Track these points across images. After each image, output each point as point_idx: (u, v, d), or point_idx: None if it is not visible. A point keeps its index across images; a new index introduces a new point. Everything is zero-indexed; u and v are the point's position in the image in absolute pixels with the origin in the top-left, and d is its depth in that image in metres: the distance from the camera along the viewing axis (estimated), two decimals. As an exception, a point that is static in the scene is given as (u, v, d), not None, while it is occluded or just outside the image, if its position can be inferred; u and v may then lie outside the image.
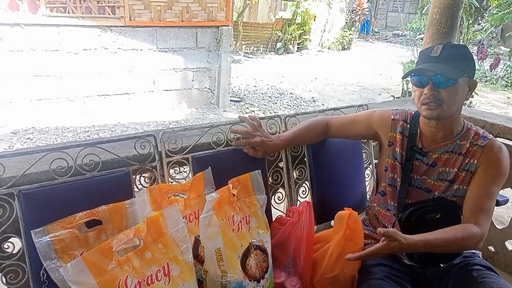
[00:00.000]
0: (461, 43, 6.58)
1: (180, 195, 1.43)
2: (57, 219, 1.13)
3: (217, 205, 1.25)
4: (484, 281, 1.33)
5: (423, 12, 7.89)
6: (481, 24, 7.16)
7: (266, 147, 1.59)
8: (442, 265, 1.47)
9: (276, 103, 6.87)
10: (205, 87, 6.08)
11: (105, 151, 1.35)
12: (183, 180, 1.51)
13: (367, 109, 2.05)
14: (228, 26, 5.83)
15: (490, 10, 6.32)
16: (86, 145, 1.32)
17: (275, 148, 1.65)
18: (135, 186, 1.40)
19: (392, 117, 1.58)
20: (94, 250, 1.03)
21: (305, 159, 1.80)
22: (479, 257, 1.50)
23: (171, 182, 1.46)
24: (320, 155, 1.81)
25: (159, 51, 5.51)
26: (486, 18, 6.42)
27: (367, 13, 14.90)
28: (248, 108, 6.33)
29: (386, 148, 1.59)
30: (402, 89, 7.10)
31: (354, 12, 14.32)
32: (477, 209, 1.36)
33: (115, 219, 1.23)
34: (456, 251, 1.39)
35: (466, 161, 1.42)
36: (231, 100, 6.32)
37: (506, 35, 5.25)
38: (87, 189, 1.27)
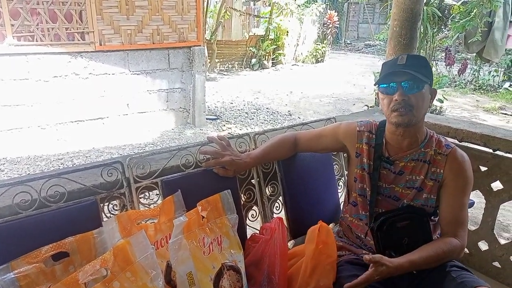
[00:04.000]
0: (427, 50, 6.81)
1: (150, 220, 1.42)
2: (22, 255, 1.11)
3: (186, 229, 1.24)
4: (464, 281, 1.37)
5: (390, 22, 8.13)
6: (445, 32, 7.44)
7: (236, 166, 1.59)
8: (415, 272, 1.49)
9: (252, 118, 6.91)
10: (180, 107, 6.08)
11: (70, 181, 1.33)
12: (154, 205, 1.50)
13: (335, 121, 2.09)
14: (200, 46, 5.88)
15: (452, 18, 6.60)
16: (51, 176, 1.30)
17: (245, 167, 1.66)
18: (103, 215, 1.38)
19: (358, 128, 1.63)
20: (60, 284, 1.02)
21: (277, 175, 1.82)
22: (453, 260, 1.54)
23: (141, 208, 1.45)
24: (292, 170, 1.83)
25: (131, 74, 5.50)
26: (449, 26, 6.69)
27: (338, 26, 15.25)
28: (224, 125, 6.35)
29: (354, 159, 1.63)
30: (375, 98, 7.26)
31: (325, 25, 14.63)
32: (453, 222, 1.44)
33: (83, 249, 1.21)
34: (440, 263, 1.42)
35: (432, 170, 1.48)
36: (207, 119, 6.32)
37: (469, 42, 5.47)
38: (53, 221, 1.25)
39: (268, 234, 1.51)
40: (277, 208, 1.87)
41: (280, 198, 1.86)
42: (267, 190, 1.84)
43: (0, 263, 1.08)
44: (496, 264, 2.28)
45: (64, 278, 1.05)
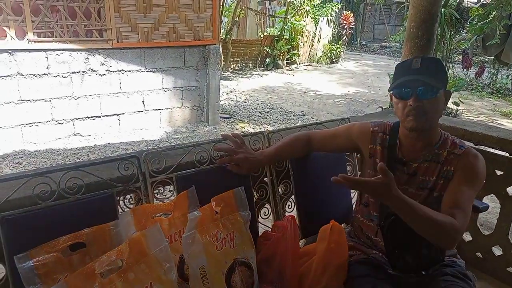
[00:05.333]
0: (444, 53, 6.73)
1: (164, 214, 1.45)
2: (40, 244, 1.14)
3: (200, 224, 1.26)
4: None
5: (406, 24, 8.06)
6: (463, 35, 7.33)
7: (249, 164, 1.61)
8: (423, 272, 1.48)
9: (266, 118, 6.92)
10: (195, 105, 6.13)
11: (88, 174, 1.36)
12: (168, 199, 1.53)
13: (349, 122, 2.09)
14: (215, 44, 5.91)
15: (470, 20, 6.50)
16: (69, 169, 1.34)
17: (258, 164, 1.68)
18: (119, 208, 1.41)
19: (372, 129, 1.63)
20: (77, 273, 1.05)
21: (290, 174, 1.83)
22: (459, 265, 1.52)
23: (156, 202, 1.48)
24: (304, 169, 1.84)
25: (147, 71, 5.57)
26: (467, 28, 6.59)
27: (353, 26, 15.17)
28: (238, 124, 6.37)
29: (367, 160, 1.63)
30: (390, 101, 7.19)
31: (340, 26, 14.56)
32: (453, 206, 1.36)
33: (99, 241, 1.24)
34: (431, 235, 1.31)
35: (444, 169, 1.46)
36: (221, 117, 6.36)
37: (487, 44, 5.38)
38: (71, 212, 1.28)
39: (280, 232, 1.52)
40: (289, 207, 1.88)
41: (292, 197, 1.87)
42: (279, 189, 1.85)
43: (20, 251, 1.11)
44: (510, 269, 2.26)
45: (80, 267, 1.08)
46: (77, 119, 5.30)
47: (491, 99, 9.12)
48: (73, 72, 5.12)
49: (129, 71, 5.44)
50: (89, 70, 5.21)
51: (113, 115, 5.53)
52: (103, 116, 5.46)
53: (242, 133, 1.70)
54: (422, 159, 1.50)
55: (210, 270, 1.25)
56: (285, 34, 12.52)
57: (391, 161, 1.55)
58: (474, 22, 5.75)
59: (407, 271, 1.48)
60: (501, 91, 9.53)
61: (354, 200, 2.10)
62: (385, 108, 7.39)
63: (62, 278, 1.13)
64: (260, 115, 7.08)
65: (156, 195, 1.51)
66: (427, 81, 1.38)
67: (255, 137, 1.77)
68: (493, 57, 5.88)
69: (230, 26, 11.14)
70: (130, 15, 5.30)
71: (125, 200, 1.46)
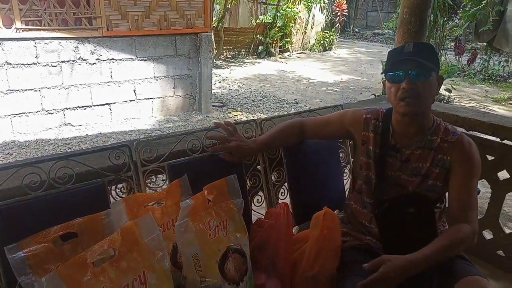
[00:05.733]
0: (437, 39, 6.72)
1: (157, 203, 1.44)
2: (31, 234, 1.13)
3: (192, 212, 1.26)
4: (458, 269, 1.37)
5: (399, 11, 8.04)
6: (456, 21, 7.32)
7: (242, 152, 1.60)
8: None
9: (259, 106, 6.90)
10: (187, 94, 6.08)
11: (79, 163, 1.35)
12: (160, 188, 1.52)
13: (342, 109, 2.08)
14: (207, 32, 5.85)
15: (463, 6, 6.49)
16: (59, 158, 1.32)
17: (251, 152, 1.67)
18: (111, 197, 1.40)
19: (364, 116, 1.62)
20: (69, 263, 1.04)
21: (283, 161, 1.83)
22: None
23: (148, 191, 1.47)
24: (297, 156, 1.84)
25: (138, 60, 5.50)
26: (460, 15, 6.58)
27: (346, 14, 15.06)
28: (231, 112, 6.35)
29: (360, 146, 1.62)
30: (383, 87, 7.20)
31: (333, 13, 14.47)
32: (464, 207, 1.41)
33: (91, 231, 1.23)
34: (454, 254, 1.40)
35: (438, 157, 1.47)
36: (213, 106, 6.33)
37: (480, 31, 5.38)
38: (62, 202, 1.27)
39: (273, 219, 1.52)
40: (282, 194, 1.88)
41: (285, 184, 1.87)
42: (272, 176, 1.85)
43: (10, 242, 1.10)
44: (500, 253, 2.30)
45: (72, 257, 1.07)
46: (67, 109, 5.24)
47: (483, 85, 9.16)
48: (62, 61, 5.04)
49: (120, 59, 5.38)
50: (79, 59, 5.13)
51: (104, 104, 5.47)
52: (94, 105, 5.40)
53: (235, 121, 1.69)
54: (415, 145, 1.50)
55: (203, 258, 1.24)
56: (277, 21, 12.42)
57: (384, 148, 1.55)
58: (467, 9, 5.74)
59: (400, 257, 1.49)
60: (493, 78, 9.57)
61: (347, 186, 2.11)
62: (378, 95, 7.40)
63: (53, 268, 1.12)
64: (253, 103, 7.06)
65: (148, 184, 1.50)
66: (420, 61, 1.38)
67: (247, 125, 1.76)
68: (485, 44, 5.86)
69: (222, 13, 11.02)
70: (120, 2, 5.21)
71: (117, 190, 1.44)
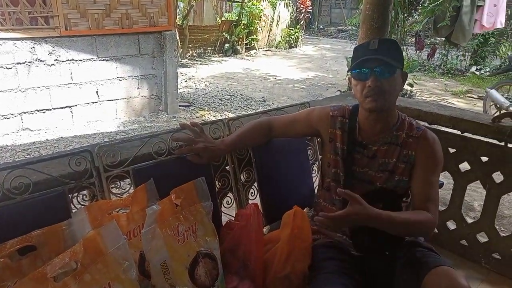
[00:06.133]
0: (398, 35, 6.90)
1: (122, 210, 1.39)
2: (-15, 250, 1.06)
3: (160, 217, 1.22)
4: (427, 260, 1.40)
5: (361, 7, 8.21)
6: (416, 17, 7.54)
7: (210, 153, 1.57)
8: (387, 253, 1.52)
9: (226, 105, 6.85)
10: (152, 94, 5.94)
11: (36, 171, 1.27)
12: (125, 194, 1.46)
13: (309, 106, 2.09)
14: (171, 31, 5.73)
15: (422, 3, 6.71)
16: (15, 167, 1.24)
17: (219, 153, 1.64)
18: (72, 206, 1.33)
19: (331, 113, 1.63)
20: (27, 279, 0.98)
21: (252, 161, 1.81)
22: (421, 239, 1.57)
23: (112, 198, 1.41)
24: (266, 155, 1.82)
25: (100, 60, 5.32)
26: (420, 11, 6.79)
27: (311, 10, 15.21)
28: (198, 112, 6.26)
29: (328, 144, 1.63)
30: (348, 83, 7.33)
31: (298, 10, 14.57)
32: (425, 199, 1.44)
33: (52, 242, 1.17)
34: (412, 234, 1.45)
35: (404, 153, 1.49)
36: (180, 105, 6.22)
37: (439, 26, 5.57)
38: (18, 214, 1.20)
39: (244, 221, 1.50)
40: (252, 194, 1.87)
41: (255, 184, 1.85)
42: (242, 177, 1.82)
43: (-38, 259, 1.03)
44: (464, 242, 2.38)
45: (31, 272, 1.01)
46: (25, 112, 4.99)
47: (442, 79, 9.50)
48: (18, 63, 4.79)
49: (80, 60, 5.18)
50: (36, 60, 4.90)
51: (65, 107, 5.25)
52: (53, 108, 5.18)
53: (202, 122, 1.65)
54: (381, 141, 1.52)
55: (172, 265, 1.21)
56: (243, 19, 12.37)
57: (350, 145, 1.57)
58: (425, 5, 5.93)
59: (370, 253, 1.51)
60: (451, 72, 9.94)
61: (316, 184, 2.11)
62: (343, 91, 7.52)
63: (11, 285, 1.06)
64: (220, 102, 7.00)
65: (112, 190, 1.44)
66: (385, 60, 1.39)
67: (214, 125, 1.72)
68: (443, 39, 6.07)
69: (186, 11, 10.85)
70: (78, 0, 4.99)
71: (79, 198, 1.38)
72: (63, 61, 5.06)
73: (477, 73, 9.70)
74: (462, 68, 10.11)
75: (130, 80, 5.63)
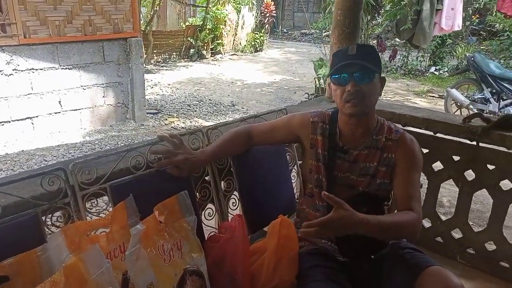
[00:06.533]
0: (362, 38, 7.06)
1: (100, 230, 1.31)
2: (-49, 284, 0.96)
3: (144, 237, 1.16)
4: (416, 262, 1.41)
5: (326, 12, 8.35)
6: (378, 20, 7.75)
7: (190, 165, 1.52)
8: (372, 256, 1.52)
9: (195, 111, 6.76)
10: (119, 102, 5.76)
11: (5, 194, 1.18)
12: (103, 213, 1.38)
13: (286, 113, 2.07)
14: (136, 37, 5.58)
15: (384, 6, 6.92)
16: (-20, 191, 1.14)
17: (200, 165, 1.59)
18: (46, 229, 1.24)
19: (311, 119, 1.62)
20: (3, 314, 0.89)
21: (232, 170, 1.77)
22: (404, 241, 1.58)
23: (90, 217, 1.33)
24: (246, 164, 1.79)
25: (62, 68, 5.10)
26: (382, 14, 6.99)
27: (275, 14, 15.35)
28: (167, 119, 6.13)
29: (309, 150, 1.62)
30: (315, 86, 7.42)
31: (262, 14, 14.66)
32: (408, 198, 1.44)
33: (26, 271, 1.08)
34: (400, 236, 1.43)
35: (384, 156, 1.51)
36: (148, 113, 6.07)
37: (401, 29, 5.73)
38: (-13, 242, 1.10)
39: (229, 233, 1.46)
40: (234, 204, 1.82)
41: (236, 193, 1.81)
42: (222, 186, 1.78)
43: None
44: (439, 239, 2.43)
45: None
46: (-19, 126, 4.72)
47: (404, 79, 9.81)
48: (-27, 73, 4.53)
49: (41, 69, 4.94)
50: (-7, 70, 4.64)
51: (25, 118, 4.99)
52: (13, 120, 4.90)
53: (180, 133, 1.59)
54: (362, 146, 1.53)
55: (159, 286, 1.15)
56: (207, 23, 12.29)
57: (332, 150, 1.56)
58: (387, 9, 6.10)
59: (356, 257, 1.51)
60: (412, 72, 10.29)
61: (295, 189, 2.10)
62: (311, 94, 7.61)
63: (-17, 321, 0.97)
64: (188, 108, 6.90)
65: (89, 209, 1.36)
66: (364, 64, 1.40)
67: (193, 135, 1.67)
68: (404, 41, 6.27)
69: (150, 16, 10.65)
70: (37, 7, 4.77)
71: (53, 219, 1.29)
72: (22, 71, 4.81)
73: (436, 73, 10.09)
74: (422, 68, 10.49)
75: (95, 89, 5.43)
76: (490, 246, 2.25)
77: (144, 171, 1.47)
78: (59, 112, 5.22)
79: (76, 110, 5.35)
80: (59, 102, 5.17)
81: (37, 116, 5.05)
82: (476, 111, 5.81)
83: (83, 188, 1.32)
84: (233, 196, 1.82)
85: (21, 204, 1.19)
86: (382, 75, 1.52)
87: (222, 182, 1.78)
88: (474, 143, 2.11)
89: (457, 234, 2.36)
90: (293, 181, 2.07)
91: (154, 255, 1.16)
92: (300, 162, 2.17)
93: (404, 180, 1.48)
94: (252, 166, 1.81)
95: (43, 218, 1.23)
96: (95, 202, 1.38)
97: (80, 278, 0.97)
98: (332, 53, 2.58)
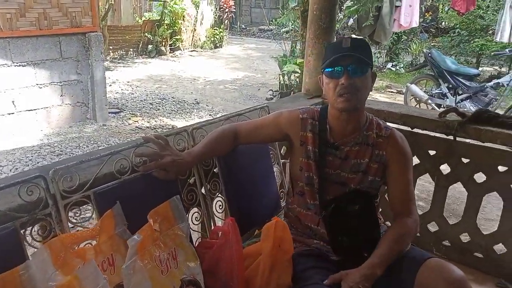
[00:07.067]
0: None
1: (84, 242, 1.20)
2: None
3: (140, 248, 1.07)
4: (415, 255, 1.41)
5: (285, 8, 8.38)
6: (340, 16, 7.87)
7: (178, 167, 1.44)
8: (365, 254, 1.51)
9: (158, 109, 6.56)
10: (78, 102, 5.45)
11: (-23, 207, 1.05)
12: (86, 223, 1.27)
13: (268, 110, 2.03)
14: (96, 32, 5.30)
15: (343, 3, 7.07)
16: (-51, 205, 1.01)
17: (187, 166, 1.52)
18: (26, 244, 1.12)
19: (301, 116, 1.58)
20: None
21: (218, 171, 1.70)
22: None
23: (74, 229, 1.22)
24: (231, 164, 1.73)
25: (15, 65, 4.74)
26: (343, 10, 7.11)
27: (234, 10, 15.22)
28: (130, 118, 5.89)
29: (298, 148, 1.58)
30: (279, 83, 7.43)
31: (221, 9, 14.50)
32: (405, 200, 1.48)
33: (8, 293, 0.97)
34: (406, 246, 1.44)
35: (376, 153, 1.50)
36: (109, 112, 5.81)
37: (363, 25, 5.86)
38: (-40, 262, 0.97)
39: (222, 238, 1.40)
40: (220, 207, 1.76)
41: (221, 196, 1.74)
42: (208, 189, 1.70)
43: None
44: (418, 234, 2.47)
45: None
46: None
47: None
48: None
49: (-9, 66, 4.59)
50: None
51: (-26, 120, 4.63)
52: (-39, 122, 4.54)
53: (165, 133, 1.51)
54: (352, 142, 1.51)
55: (158, 300, 1.07)
56: (165, 18, 11.97)
57: (322, 147, 1.54)
58: (348, 5, 6.21)
59: (349, 255, 1.50)
60: (372, 68, 10.56)
61: (278, 188, 2.05)
62: (275, 91, 7.61)
63: None
64: (151, 106, 6.68)
65: (71, 219, 1.24)
66: (359, 56, 1.40)
67: (179, 135, 1.59)
68: (366, 37, 6.41)
69: (105, 10, 10.21)
70: (-15, -1, 4.43)
71: (33, 233, 1.17)
72: (-31, 68, 4.45)
73: (393, 69, 10.43)
74: (379, 64, 10.79)
75: (51, 87, 5.10)
76: (465, 238, 2.32)
77: (129, 176, 1.38)
78: (13, 113, 4.86)
79: (31, 110, 5.01)
80: (13, 102, 4.81)
81: (-13, 118, 4.70)
82: (434, 106, 6.08)
83: (65, 197, 1.21)
84: (219, 198, 1.76)
85: (-4, 218, 1.07)
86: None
87: (208, 184, 1.70)
88: (451, 137, 2.16)
89: (433, 227, 2.42)
90: (277, 181, 2.03)
91: (152, 268, 1.07)
92: (283, 160, 2.14)
93: (398, 182, 1.50)
94: (238, 166, 1.75)
95: (22, 232, 1.11)
96: (78, 212, 1.27)
97: (75, 298, 0.88)
98: (308, 48, 2.57)
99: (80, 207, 1.27)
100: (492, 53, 7.89)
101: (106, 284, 0.94)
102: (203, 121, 1.82)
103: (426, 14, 12.03)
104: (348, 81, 1.39)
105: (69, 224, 1.22)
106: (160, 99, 7.15)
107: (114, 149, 1.38)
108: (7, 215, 1.08)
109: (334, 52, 1.43)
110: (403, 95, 7.00)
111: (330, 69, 1.43)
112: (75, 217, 1.26)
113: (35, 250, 1.08)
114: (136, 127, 5.49)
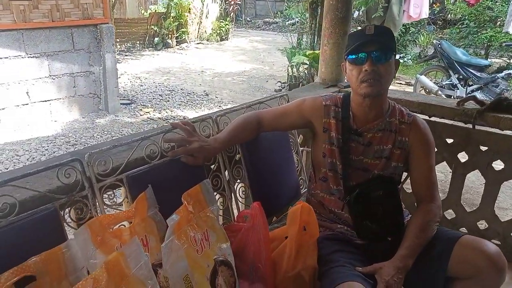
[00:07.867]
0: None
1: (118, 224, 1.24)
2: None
3: (177, 228, 1.10)
4: (447, 233, 1.44)
5: (291, 0, 8.33)
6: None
7: (205, 152, 1.46)
8: (389, 239, 1.53)
9: (168, 101, 6.59)
10: (90, 93, 5.50)
11: (19, 188, 1.08)
12: (118, 205, 1.31)
13: (288, 98, 2.05)
14: (107, 23, 5.32)
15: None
16: (-7, 185, 1.04)
17: (214, 152, 1.54)
18: (65, 224, 1.16)
19: (324, 103, 1.60)
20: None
21: (241, 158, 1.72)
22: None
23: (108, 211, 1.25)
24: (254, 151, 1.75)
25: (29, 57, 4.78)
26: (354, 2, 7.08)
27: (239, 2, 15.16)
28: (141, 109, 5.93)
29: (321, 134, 1.60)
30: (288, 75, 7.42)
31: (227, 2, 14.44)
32: (428, 185, 1.50)
33: (52, 269, 1.00)
34: (432, 233, 1.45)
35: (399, 139, 1.52)
36: (121, 103, 5.84)
37: (372, 17, 5.84)
38: (7, 240, 1.01)
39: (250, 222, 1.42)
40: (243, 193, 1.79)
41: (245, 181, 1.77)
42: (232, 175, 1.73)
43: None
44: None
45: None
46: None
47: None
48: None
49: (6, 57, 4.61)
50: (-48, 59, 4.29)
51: (-10, 111, 4.68)
52: (-24, 113, 4.59)
53: (148, 120, 1.53)
54: (375, 128, 1.53)
55: (194, 278, 1.10)
56: (171, 11, 11.95)
57: (346, 133, 1.55)
58: (359, -4, 6.19)
59: (374, 240, 1.52)
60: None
61: (301, 176, 2.08)
62: (283, 83, 7.61)
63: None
64: (161, 98, 6.71)
65: (105, 201, 1.28)
66: (383, 42, 1.41)
67: (203, 122, 1.61)
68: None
69: (112, 2, 10.22)
70: (-1, -9, 4.45)
71: (70, 214, 1.20)
72: (-16, 60, 4.49)
73: (401, 61, 10.35)
74: (388, 56, 10.71)
75: (64, 78, 5.15)
76: (482, 225, 2.34)
77: (158, 161, 1.41)
78: (27, 104, 4.92)
79: (45, 101, 5.06)
80: (27, 93, 4.86)
81: (3, 109, 4.74)
82: (444, 97, 6.06)
83: (100, 180, 1.24)
84: (242, 184, 1.79)
85: (37, 199, 1.11)
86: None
87: (232, 170, 1.73)
88: (469, 125, 2.17)
89: (449, 215, 2.44)
90: (297, 167, 2.05)
91: (188, 247, 1.10)
92: (302, 148, 2.16)
93: (421, 167, 1.52)
94: (260, 153, 1.78)
95: (62, 212, 1.15)
96: (112, 195, 1.30)
97: (121, 273, 0.91)
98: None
99: (113, 190, 1.30)
100: (504, 44, 7.82)
101: (147, 261, 0.97)
102: (227, 108, 1.85)
103: (434, 5, 11.91)
104: (371, 67, 1.40)
105: (104, 206, 1.26)
106: (170, 91, 7.18)
107: (144, 135, 1.41)
108: (47, 196, 1.12)
109: (357, 39, 1.43)
110: (411, 87, 6.98)
111: (353, 56, 1.44)
112: (108, 199, 1.29)
113: (73, 230, 1.11)
114: (148, 118, 5.53)
